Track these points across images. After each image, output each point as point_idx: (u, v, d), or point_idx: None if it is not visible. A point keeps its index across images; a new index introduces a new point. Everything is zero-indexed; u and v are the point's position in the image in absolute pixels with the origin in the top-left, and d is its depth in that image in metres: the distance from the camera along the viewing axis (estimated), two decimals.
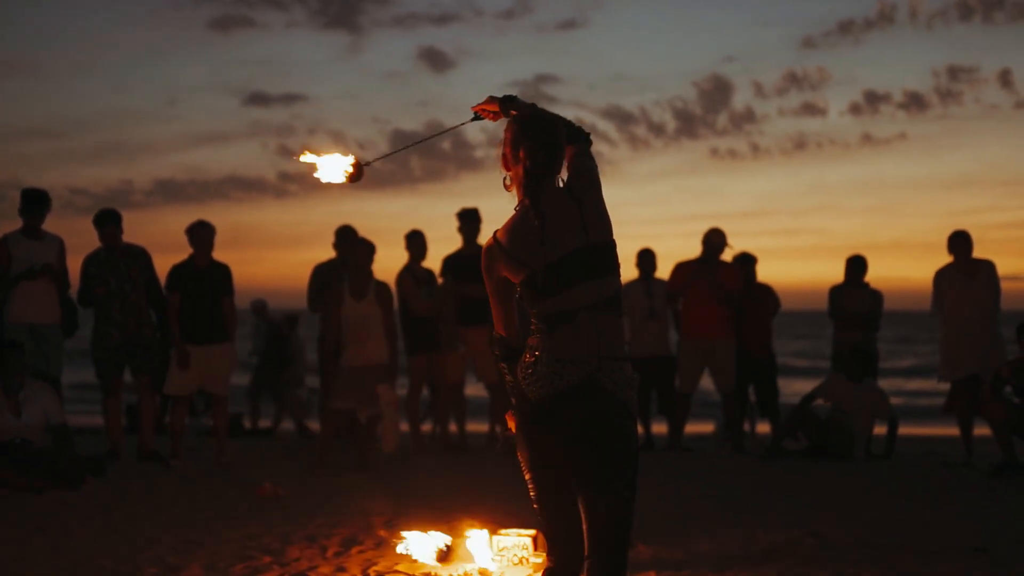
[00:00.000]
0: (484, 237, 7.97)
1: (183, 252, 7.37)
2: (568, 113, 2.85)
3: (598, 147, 2.82)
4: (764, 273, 8.69)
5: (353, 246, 7.44)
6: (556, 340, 2.64)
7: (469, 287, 7.80)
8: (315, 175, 2.99)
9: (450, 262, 8.02)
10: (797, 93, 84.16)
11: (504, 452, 7.63)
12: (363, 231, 7.93)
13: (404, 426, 8.21)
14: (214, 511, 5.47)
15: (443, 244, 8.21)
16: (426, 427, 9.09)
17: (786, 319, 8.69)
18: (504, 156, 2.76)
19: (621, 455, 2.64)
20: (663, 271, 8.53)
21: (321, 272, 8.09)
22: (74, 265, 7.16)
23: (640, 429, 7.48)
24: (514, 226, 2.72)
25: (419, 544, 4.21)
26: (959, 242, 7.70)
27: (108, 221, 7.14)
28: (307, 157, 2.97)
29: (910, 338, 40.72)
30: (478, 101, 2.97)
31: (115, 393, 7.22)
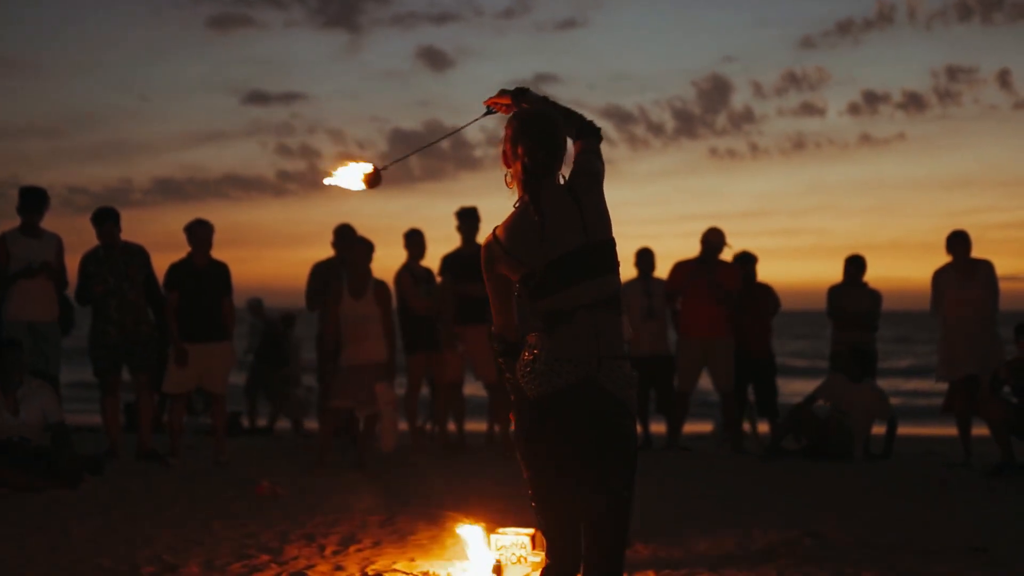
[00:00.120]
0: (483, 236, 8.00)
1: (182, 251, 7.37)
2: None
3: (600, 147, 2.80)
4: (763, 273, 8.71)
5: (352, 245, 7.43)
6: (555, 339, 2.64)
7: (468, 286, 7.79)
8: (336, 183, 2.99)
9: (449, 261, 8.02)
10: (796, 93, 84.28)
11: (503, 451, 7.64)
12: (362, 230, 7.94)
13: (402, 425, 8.21)
14: (212, 510, 5.47)
15: (442, 243, 8.24)
16: (424, 426, 9.09)
17: (785, 319, 8.70)
18: (504, 153, 2.76)
19: (619, 454, 2.64)
20: (662, 271, 8.54)
21: (320, 271, 8.08)
22: (72, 263, 7.17)
23: (639, 428, 7.49)
24: (513, 223, 2.71)
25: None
26: (958, 242, 7.71)
27: (106, 219, 7.13)
28: (331, 179, 2.99)
29: (909, 338, 40.77)
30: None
31: (113, 392, 7.22)
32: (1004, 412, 6.92)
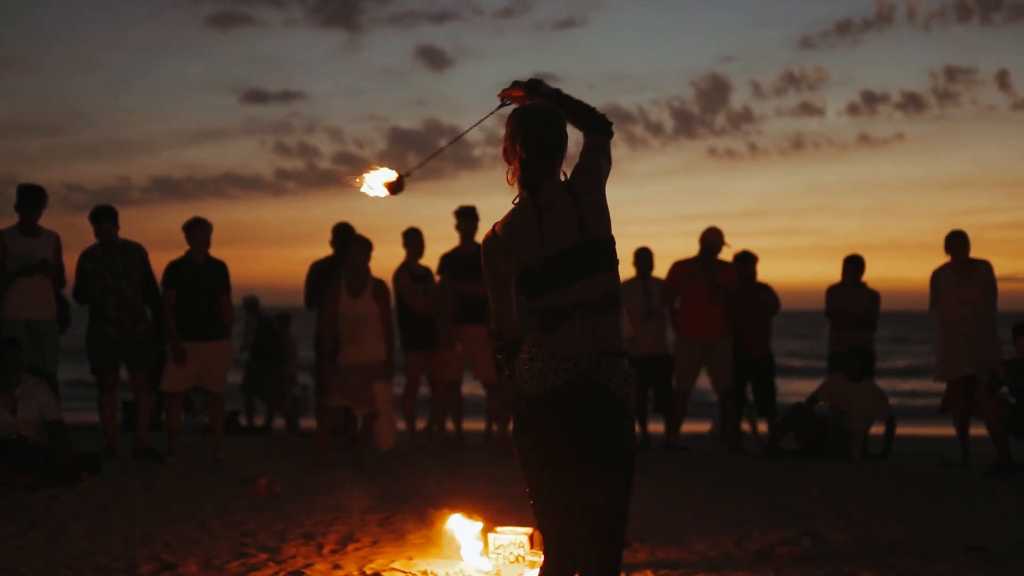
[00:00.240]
0: (482, 235, 7.97)
1: (180, 249, 7.37)
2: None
3: None
4: (761, 273, 8.69)
5: (350, 243, 7.43)
6: (553, 336, 2.64)
7: (466, 285, 7.79)
8: (361, 190, 2.98)
9: (448, 260, 8.01)
10: (795, 93, 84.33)
11: (501, 450, 7.64)
12: (360, 229, 7.93)
13: (401, 424, 8.21)
14: (210, 508, 5.47)
15: (441, 242, 8.22)
16: (422, 425, 9.08)
17: (783, 319, 8.71)
18: (505, 150, 2.75)
19: (617, 451, 2.63)
20: (661, 270, 8.54)
21: (318, 269, 8.08)
22: (70, 262, 7.16)
23: (637, 428, 7.48)
24: (512, 220, 2.71)
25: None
26: (956, 242, 7.71)
27: (104, 218, 7.12)
28: (359, 185, 2.98)
29: (906, 338, 40.79)
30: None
31: (111, 390, 7.21)
32: (1002, 412, 6.92)
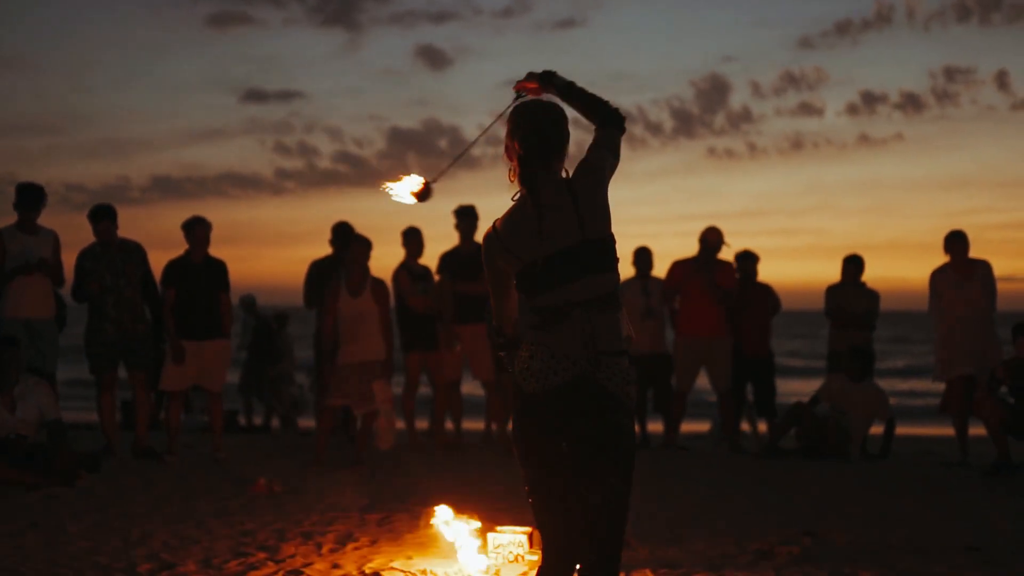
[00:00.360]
0: (481, 235, 7.98)
1: (179, 248, 7.36)
2: (566, 111, 2.81)
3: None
4: (761, 272, 8.68)
5: (350, 243, 7.42)
6: (551, 335, 2.63)
7: (466, 284, 7.79)
8: (391, 197, 2.96)
9: (447, 259, 8.01)
10: (794, 93, 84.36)
11: (502, 450, 7.64)
12: (359, 228, 7.93)
13: (400, 423, 8.20)
14: (209, 507, 5.46)
15: (440, 242, 8.22)
16: (422, 424, 9.08)
17: (782, 318, 8.71)
18: (507, 147, 2.75)
19: (617, 450, 2.63)
20: (660, 270, 8.54)
21: (318, 269, 8.08)
22: (69, 261, 7.15)
23: (636, 428, 7.48)
24: (511, 217, 2.71)
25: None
26: (956, 242, 7.71)
27: (103, 217, 7.12)
28: (388, 192, 2.96)
29: (906, 338, 40.80)
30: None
31: (110, 389, 7.21)
32: (1001, 412, 6.92)
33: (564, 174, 2.72)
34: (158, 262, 7.35)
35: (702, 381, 8.64)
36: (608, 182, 2.71)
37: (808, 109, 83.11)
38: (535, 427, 2.66)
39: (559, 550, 2.72)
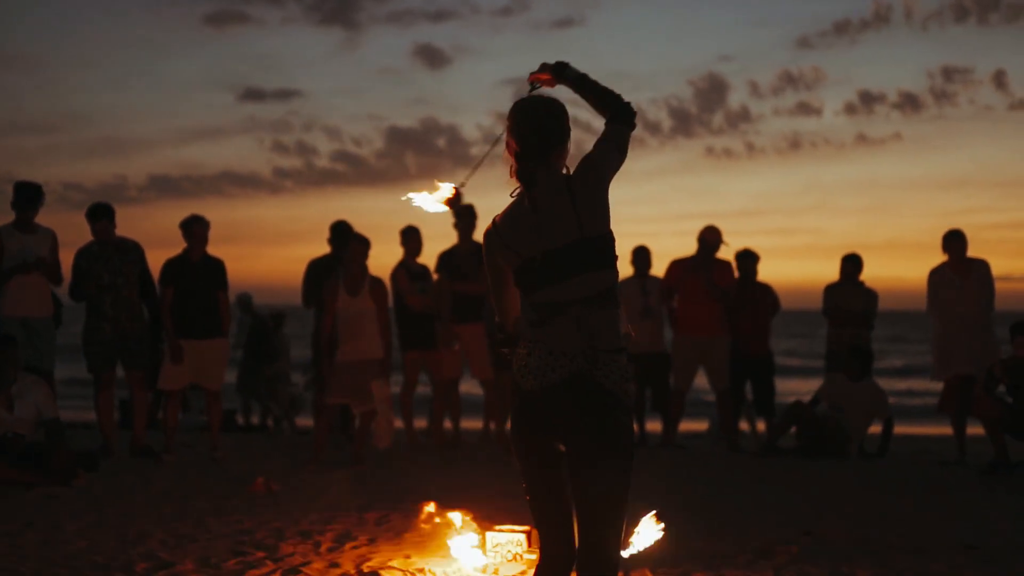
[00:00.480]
0: (479, 234, 8.00)
1: (177, 247, 7.36)
2: (569, 105, 2.79)
3: (592, 143, 2.76)
4: (759, 272, 8.68)
5: (348, 242, 7.42)
6: (548, 332, 2.63)
7: (464, 284, 7.79)
8: (418, 206, 2.94)
9: (445, 258, 8.01)
10: (792, 93, 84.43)
11: (500, 450, 7.64)
12: (357, 227, 7.93)
13: (398, 422, 8.20)
14: (207, 506, 5.46)
15: (438, 241, 8.22)
16: (421, 423, 9.08)
17: (780, 318, 8.71)
18: (507, 143, 2.74)
19: (614, 447, 2.62)
20: (658, 269, 8.54)
21: (316, 268, 8.07)
22: (67, 259, 7.15)
23: (634, 426, 7.48)
24: (509, 213, 2.71)
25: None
26: (954, 241, 7.72)
27: (101, 215, 7.11)
28: (413, 201, 2.94)
29: (903, 337, 40.81)
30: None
31: (107, 388, 7.20)
32: (999, 411, 6.93)
33: (566, 170, 2.72)
34: (156, 261, 7.35)
35: (700, 380, 8.64)
36: (610, 179, 2.68)
37: (806, 109, 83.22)
38: (533, 424, 2.66)
39: (557, 548, 2.72)
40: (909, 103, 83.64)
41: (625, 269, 8.82)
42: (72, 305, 7.35)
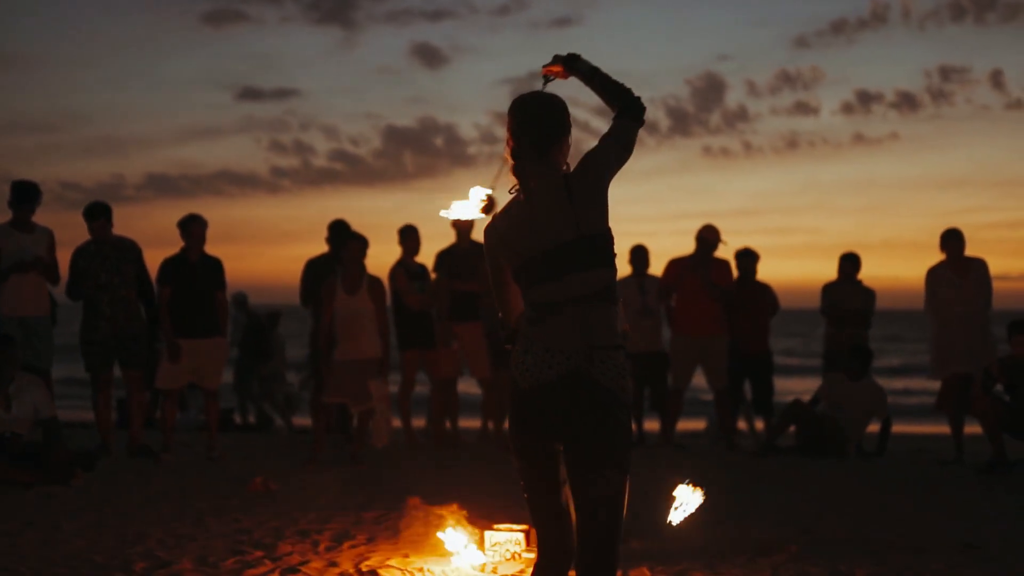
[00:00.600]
0: (477, 233, 8.01)
1: (175, 246, 7.35)
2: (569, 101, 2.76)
3: (590, 143, 2.76)
4: (758, 271, 8.67)
5: (346, 241, 7.42)
6: (545, 329, 2.63)
7: (462, 282, 7.79)
8: (451, 215, 2.92)
9: (443, 257, 8.01)
10: (790, 92, 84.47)
11: (498, 448, 7.64)
12: (356, 226, 7.93)
13: (396, 421, 8.20)
14: (205, 506, 5.45)
15: (436, 240, 8.22)
16: (419, 423, 9.08)
17: (778, 317, 8.73)
18: (506, 141, 2.74)
19: (611, 442, 2.61)
20: (656, 268, 8.54)
21: (314, 267, 8.07)
22: (64, 259, 7.14)
23: (633, 424, 7.49)
24: (507, 210, 2.72)
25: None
26: (952, 240, 7.73)
27: (98, 215, 7.10)
28: (447, 212, 2.93)
29: (900, 336, 40.85)
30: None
31: (105, 387, 7.19)
32: (997, 410, 6.94)
33: (566, 167, 2.71)
34: (154, 260, 7.34)
35: (699, 379, 8.65)
36: (611, 177, 2.67)
37: (804, 108, 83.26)
38: (530, 422, 2.66)
39: (555, 546, 2.71)
40: (906, 102, 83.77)
41: (623, 268, 8.82)
42: (69, 304, 7.33)
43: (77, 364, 7.48)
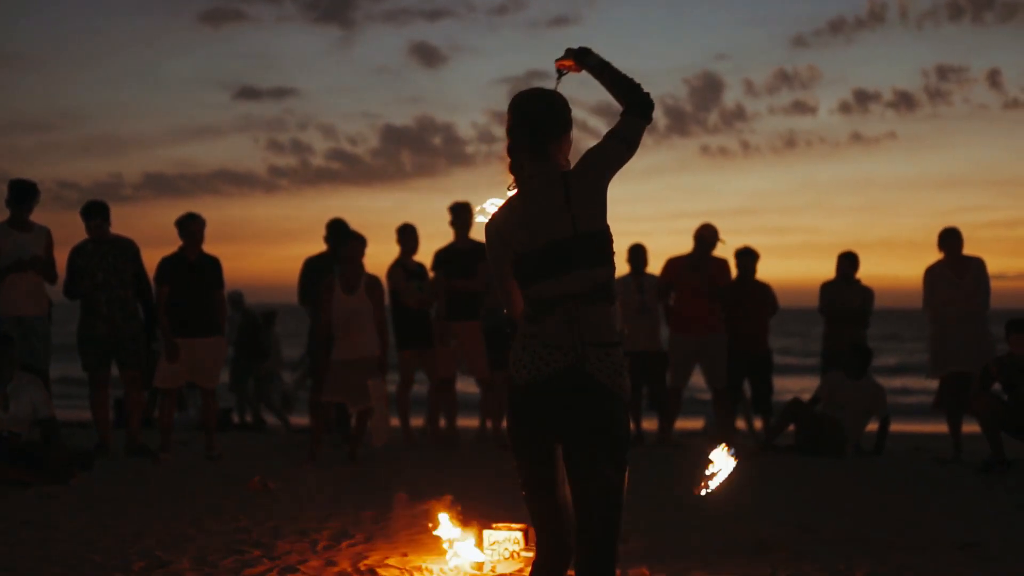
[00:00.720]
0: (475, 232, 8.00)
1: (172, 246, 7.34)
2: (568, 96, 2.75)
3: (589, 143, 2.75)
4: (757, 271, 8.67)
5: (344, 240, 7.41)
6: (542, 326, 2.63)
7: (461, 281, 7.78)
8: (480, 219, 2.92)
9: (442, 256, 8.00)
10: (788, 91, 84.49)
11: (496, 447, 7.63)
12: (354, 225, 7.93)
13: (394, 420, 8.20)
14: (204, 505, 5.45)
15: (434, 240, 8.22)
16: (417, 422, 9.07)
17: (775, 316, 8.75)
18: (506, 139, 2.74)
19: (608, 438, 2.61)
20: (654, 268, 8.54)
21: (312, 266, 8.06)
22: (61, 258, 7.12)
23: (631, 423, 7.49)
24: (505, 206, 2.72)
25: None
26: (950, 239, 7.73)
27: (96, 214, 7.10)
28: (488, 210, 2.93)
29: (897, 335, 40.89)
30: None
31: (103, 386, 7.18)
32: (995, 409, 6.94)
33: (567, 164, 2.71)
34: (151, 259, 7.33)
35: (697, 379, 8.64)
36: (611, 175, 2.65)
37: (801, 107, 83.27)
38: (528, 418, 2.65)
39: (554, 544, 2.71)
40: (904, 102, 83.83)
41: (621, 267, 8.87)
42: (65, 303, 7.32)
43: (75, 363, 7.47)
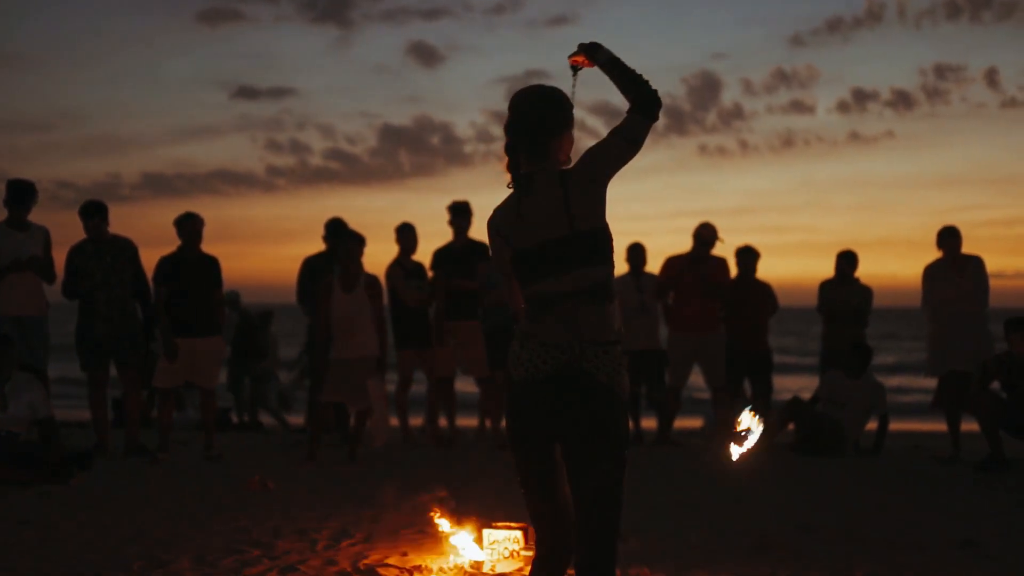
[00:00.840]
0: (475, 231, 8.00)
1: (171, 245, 7.33)
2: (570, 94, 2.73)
3: (587, 143, 2.75)
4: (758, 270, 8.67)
5: (343, 239, 7.40)
6: (541, 325, 2.63)
7: (460, 281, 7.78)
8: None
9: (440, 255, 8.00)
10: (786, 91, 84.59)
11: (496, 446, 7.63)
12: (352, 225, 7.92)
13: (393, 420, 8.19)
14: (203, 505, 5.44)
15: (432, 239, 8.23)
16: (416, 421, 9.07)
17: (774, 315, 8.75)
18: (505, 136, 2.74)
19: (606, 436, 2.61)
20: (653, 267, 8.54)
21: (311, 265, 8.06)
22: (59, 257, 7.12)
23: (629, 421, 7.48)
24: (504, 203, 2.72)
25: None
26: (949, 238, 7.73)
27: (94, 213, 7.09)
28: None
29: (896, 334, 40.92)
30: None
31: (101, 386, 7.18)
32: (994, 407, 6.94)
33: (568, 162, 2.71)
34: (150, 259, 7.32)
35: (696, 378, 8.64)
36: (612, 173, 2.63)
37: (799, 106, 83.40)
38: (526, 416, 2.65)
39: (553, 542, 2.71)
40: (902, 101, 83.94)
41: (620, 266, 8.87)
42: (63, 303, 7.31)
43: (73, 363, 7.46)
